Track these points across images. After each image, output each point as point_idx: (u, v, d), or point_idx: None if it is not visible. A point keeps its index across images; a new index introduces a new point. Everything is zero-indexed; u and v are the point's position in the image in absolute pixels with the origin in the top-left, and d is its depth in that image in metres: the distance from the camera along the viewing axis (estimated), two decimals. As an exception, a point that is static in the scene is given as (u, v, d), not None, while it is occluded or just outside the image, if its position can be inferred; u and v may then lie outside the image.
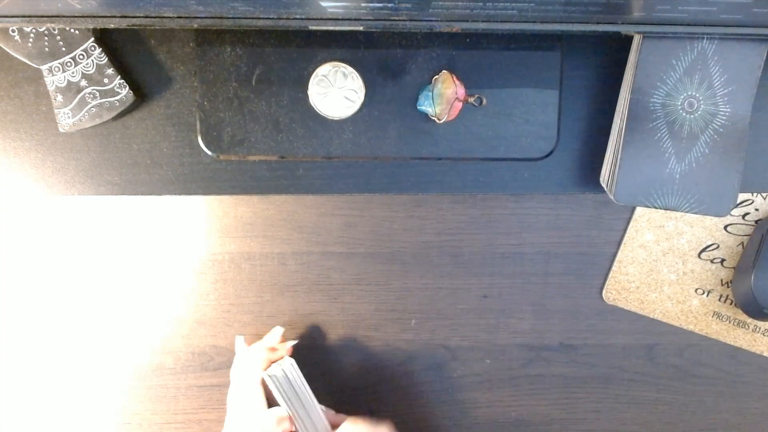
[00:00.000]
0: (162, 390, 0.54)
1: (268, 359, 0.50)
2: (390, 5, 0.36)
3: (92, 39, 0.42)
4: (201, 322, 0.53)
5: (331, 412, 0.51)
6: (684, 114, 0.41)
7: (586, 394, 0.56)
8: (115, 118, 0.44)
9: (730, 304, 0.54)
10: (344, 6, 0.36)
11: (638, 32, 0.39)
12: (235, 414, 0.49)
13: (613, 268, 0.53)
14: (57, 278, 0.52)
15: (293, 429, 0.48)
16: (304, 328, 0.54)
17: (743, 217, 0.53)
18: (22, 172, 0.46)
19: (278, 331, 0.52)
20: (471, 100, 0.44)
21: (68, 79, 0.43)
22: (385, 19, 0.36)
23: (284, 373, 0.49)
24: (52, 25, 0.38)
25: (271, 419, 0.47)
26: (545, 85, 0.45)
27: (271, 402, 0.49)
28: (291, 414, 0.48)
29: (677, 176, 0.42)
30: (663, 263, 0.53)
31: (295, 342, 0.53)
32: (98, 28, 0.41)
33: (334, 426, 0.49)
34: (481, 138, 0.45)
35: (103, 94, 0.43)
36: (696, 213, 0.43)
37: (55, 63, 0.42)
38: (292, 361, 0.50)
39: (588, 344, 0.55)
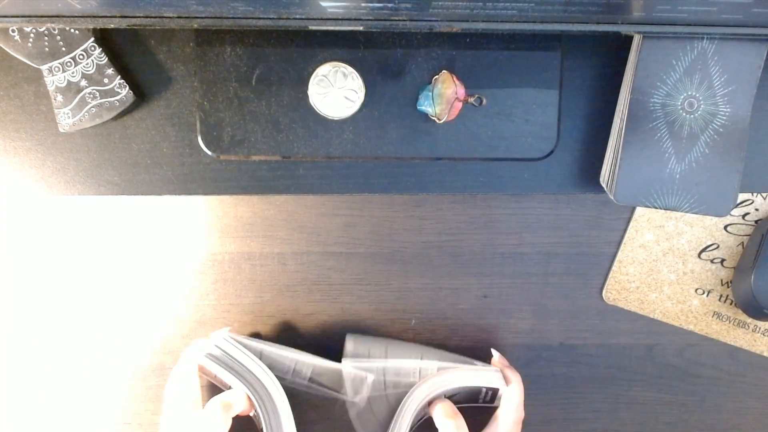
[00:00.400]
0: (162, 390, 0.54)
1: (203, 349, 0.47)
2: (390, 5, 0.36)
3: (92, 39, 0.42)
4: (201, 322, 0.53)
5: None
6: (684, 114, 0.41)
7: (586, 394, 0.56)
8: (115, 118, 0.44)
9: (730, 304, 0.54)
10: (344, 6, 0.36)
11: (638, 32, 0.39)
12: (171, 411, 0.45)
13: (613, 268, 0.53)
14: (57, 278, 0.52)
15: (251, 408, 0.45)
16: (304, 328, 0.54)
17: (743, 217, 0.53)
18: (22, 172, 0.46)
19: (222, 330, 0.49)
20: (471, 100, 0.44)
21: (68, 79, 0.43)
22: (385, 19, 0.36)
23: (220, 347, 0.45)
24: (52, 25, 0.38)
25: (212, 412, 0.42)
26: (545, 85, 0.45)
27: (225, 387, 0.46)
28: (247, 391, 0.44)
29: (677, 176, 0.42)
30: (663, 263, 0.53)
31: (228, 329, 0.50)
32: (98, 28, 0.41)
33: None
34: (481, 138, 0.45)
35: (103, 94, 0.43)
36: (696, 213, 0.43)
37: (55, 63, 0.42)
38: (225, 331, 0.46)
39: (588, 344, 0.55)
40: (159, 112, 0.45)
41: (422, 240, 0.53)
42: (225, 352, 0.46)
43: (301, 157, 0.45)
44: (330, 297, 0.53)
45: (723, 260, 0.53)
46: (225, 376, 0.45)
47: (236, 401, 0.44)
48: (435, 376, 0.49)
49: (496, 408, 0.49)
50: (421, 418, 0.51)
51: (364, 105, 0.44)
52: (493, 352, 0.52)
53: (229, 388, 0.46)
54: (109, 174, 0.46)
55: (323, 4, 0.35)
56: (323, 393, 0.49)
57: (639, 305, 0.54)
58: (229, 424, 0.44)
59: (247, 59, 0.44)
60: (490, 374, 0.49)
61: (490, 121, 0.45)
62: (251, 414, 0.47)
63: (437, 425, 0.47)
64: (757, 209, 0.53)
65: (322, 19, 0.36)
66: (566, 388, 0.56)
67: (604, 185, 0.45)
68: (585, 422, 0.56)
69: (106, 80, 0.43)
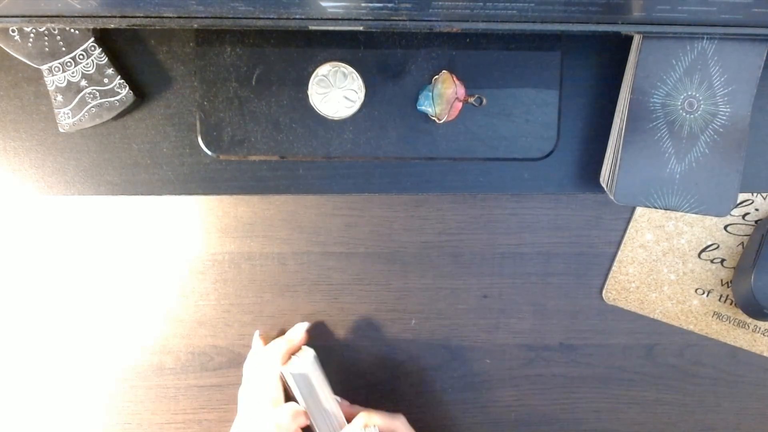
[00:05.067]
0: (162, 390, 0.54)
1: (287, 352, 0.49)
2: (390, 5, 0.36)
3: (92, 39, 0.42)
4: (201, 322, 0.53)
5: (345, 403, 0.50)
6: (684, 114, 0.41)
7: (586, 394, 0.56)
8: (115, 118, 0.44)
9: (730, 304, 0.54)
10: (344, 6, 0.36)
11: (638, 32, 0.39)
12: (248, 409, 0.48)
13: (613, 268, 0.53)
14: (56, 278, 0.52)
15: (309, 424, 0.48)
16: (304, 328, 0.54)
17: (743, 217, 0.53)
18: (22, 172, 0.46)
19: (302, 326, 0.52)
20: (471, 100, 0.44)
21: (68, 79, 0.43)
22: (385, 19, 0.36)
23: (303, 368, 0.48)
24: (52, 25, 0.38)
25: (287, 413, 0.46)
26: (545, 85, 0.45)
27: (288, 397, 0.49)
28: (306, 410, 0.47)
29: (677, 176, 0.42)
30: (663, 263, 0.53)
31: (307, 325, 0.52)
32: (98, 28, 0.41)
33: (348, 417, 0.49)
34: (481, 138, 0.45)
35: (103, 94, 0.43)
36: (696, 213, 0.43)
37: (55, 63, 0.42)
38: (313, 353, 0.49)
39: (588, 344, 0.55)
40: (159, 112, 0.45)
41: (422, 240, 0.53)
42: (304, 373, 0.48)
43: (301, 157, 0.45)
44: (330, 297, 0.53)
45: (723, 260, 0.53)
46: (298, 397, 0.48)
47: (303, 413, 0.47)
48: None
49: None
50: None
51: (364, 105, 0.44)
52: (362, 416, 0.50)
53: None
54: (109, 174, 0.46)
55: (323, 4, 0.35)
56: None
57: (639, 305, 0.54)
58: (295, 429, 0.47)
59: (247, 59, 0.44)
60: None
61: (490, 121, 0.45)
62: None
63: None
64: (757, 209, 0.52)
65: (322, 19, 0.36)
66: (566, 388, 0.56)
67: (604, 185, 0.45)
68: (585, 422, 0.56)
69: (106, 80, 0.43)
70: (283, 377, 0.48)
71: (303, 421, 0.47)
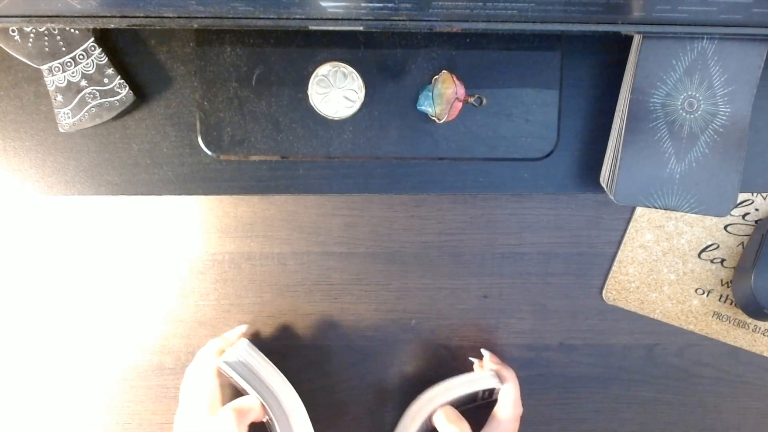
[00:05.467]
0: (162, 390, 0.54)
1: (220, 349, 0.48)
2: (390, 5, 0.36)
3: (92, 39, 0.42)
4: (201, 322, 0.53)
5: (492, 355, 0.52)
6: (684, 114, 0.41)
7: (586, 394, 0.56)
8: (115, 118, 0.44)
9: (730, 304, 0.54)
10: (344, 6, 0.36)
11: (638, 32, 0.39)
12: (187, 409, 0.46)
13: (613, 268, 0.53)
14: (56, 278, 0.52)
15: (264, 416, 0.46)
16: (304, 328, 0.54)
17: (743, 217, 0.53)
18: (22, 172, 0.46)
19: (239, 327, 0.51)
20: (471, 100, 0.44)
21: (68, 79, 0.43)
22: (385, 19, 0.36)
23: (239, 357, 0.47)
24: (52, 25, 0.38)
25: (230, 417, 0.43)
26: (545, 85, 0.45)
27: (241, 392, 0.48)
28: (259, 399, 0.45)
29: (677, 176, 0.42)
30: (663, 263, 0.53)
31: (245, 327, 0.51)
32: (98, 28, 0.41)
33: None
34: (481, 138, 0.45)
35: (103, 94, 0.43)
36: (696, 213, 0.43)
37: (55, 63, 0.42)
38: (247, 341, 0.48)
39: (588, 344, 0.55)
40: (159, 112, 0.45)
41: (422, 240, 0.53)
42: (241, 359, 0.47)
43: (301, 157, 0.45)
44: (330, 297, 0.53)
45: (723, 260, 0.53)
46: (240, 382, 0.46)
47: (251, 408, 0.45)
48: (431, 390, 0.49)
49: (494, 403, 0.50)
50: None
51: (364, 105, 0.44)
52: (484, 351, 0.52)
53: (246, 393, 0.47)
54: (109, 174, 0.46)
55: (323, 4, 0.35)
56: None
57: (639, 305, 0.54)
58: (244, 431, 0.44)
59: (247, 59, 0.44)
60: (485, 377, 0.49)
61: (490, 121, 0.45)
62: (265, 420, 0.47)
63: None
64: (757, 209, 0.53)
65: (322, 19, 0.36)
66: (566, 388, 0.56)
67: (604, 185, 0.45)
68: (585, 422, 0.56)
69: (106, 80, 0.43)
70: (220, 373, 0.47)
71: (254, 416, 0.45)
